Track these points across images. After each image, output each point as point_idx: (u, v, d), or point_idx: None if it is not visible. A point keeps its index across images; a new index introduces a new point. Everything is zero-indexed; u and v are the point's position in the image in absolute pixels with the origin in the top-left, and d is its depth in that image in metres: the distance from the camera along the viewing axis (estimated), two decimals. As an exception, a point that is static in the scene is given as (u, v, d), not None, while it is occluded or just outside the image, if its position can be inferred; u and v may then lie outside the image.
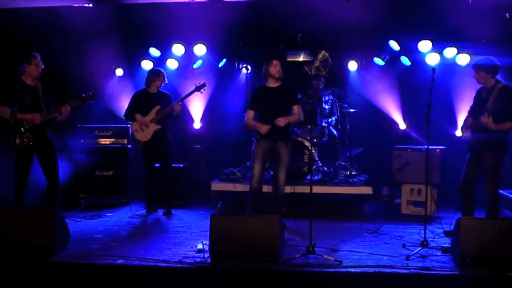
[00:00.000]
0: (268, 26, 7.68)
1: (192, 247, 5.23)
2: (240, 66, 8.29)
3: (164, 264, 4.68)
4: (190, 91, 6.99)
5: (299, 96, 7.66)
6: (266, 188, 6.81)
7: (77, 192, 7.39)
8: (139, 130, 6.89)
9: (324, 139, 7.50)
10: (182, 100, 6.99)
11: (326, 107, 7.71)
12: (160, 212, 7.06)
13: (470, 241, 4.55)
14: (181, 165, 7.71)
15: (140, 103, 6.93)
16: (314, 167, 7.17)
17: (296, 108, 6.10)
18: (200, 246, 5.14)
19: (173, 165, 7.27)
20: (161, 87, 7.01)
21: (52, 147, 5.97)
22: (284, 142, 6.04)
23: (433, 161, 6.67)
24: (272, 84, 6.09)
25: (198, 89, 6.94)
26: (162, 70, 7.07)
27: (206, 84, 7.00)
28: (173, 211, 7.06)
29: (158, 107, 6.83)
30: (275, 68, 6.00)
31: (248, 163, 7.44)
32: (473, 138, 5.52)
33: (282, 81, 6.11)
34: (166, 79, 7.02)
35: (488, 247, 4.53)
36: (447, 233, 5.67)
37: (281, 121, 5.91)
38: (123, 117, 7.10)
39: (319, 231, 5.63)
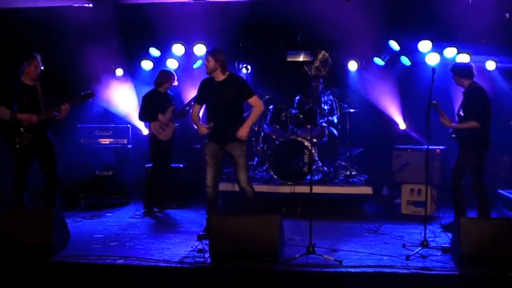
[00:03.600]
0: (268, 26, 7.67)
1: (192, 247, 5.23)
2: (240, 66, 8.27)
3: (164, 264, 4.68)
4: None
5: (298, 96, 7.69)
6: (266, 188, 6.85)
7: (77, 192, 7.38)
8: (160, 130, 6.91)
9: (324, 139, 7.49)
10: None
11: (326, 107, 7.71)
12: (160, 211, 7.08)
13: (470, 241, 4.56)
14: (181, 165, 7.70)
15: (156, 104, 6.94)
16: (314, 167, 7.17)
17: (252, 101, 5.56)
18: (200, 246, 5.14)
19: (173, 165, 7.38)
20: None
21: (52, 147, 5.96)
22: (235, 142, 5.53)
23: (433, 161, 6.67)
24: (217, 77, 5.56)
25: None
26: (174, 73, 7.15)
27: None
28: (173, 211, 7.11)
29: (173, 107, 6.97)
30: (206, 62, 5.53)
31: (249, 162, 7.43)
32: (454, 138, 5.86)
33: (230, 73, 5.60)
34: (176, 81, 7.13)
35: (488, 247, 4.54)
36: (444, 227, 5.72)
37: (243, 134, 5.51)
38: (139, 119, 7.06)
39: (319, 231, 5.62)
